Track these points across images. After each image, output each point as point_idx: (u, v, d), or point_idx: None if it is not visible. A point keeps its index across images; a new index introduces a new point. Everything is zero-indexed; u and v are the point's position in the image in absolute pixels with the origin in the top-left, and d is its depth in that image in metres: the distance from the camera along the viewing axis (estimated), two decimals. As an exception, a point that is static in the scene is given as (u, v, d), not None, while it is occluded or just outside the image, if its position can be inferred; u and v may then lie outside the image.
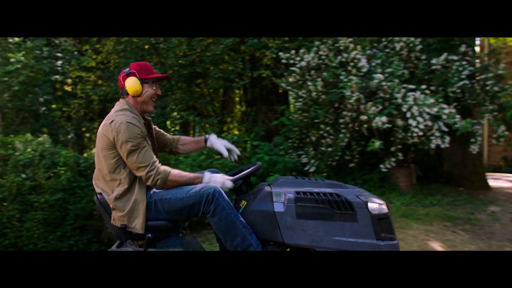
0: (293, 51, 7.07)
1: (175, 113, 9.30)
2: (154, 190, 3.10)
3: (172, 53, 8.45)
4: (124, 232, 3.02)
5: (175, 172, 3.00)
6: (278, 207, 2.89)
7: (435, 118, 6.36)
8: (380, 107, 6.43)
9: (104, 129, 2.96)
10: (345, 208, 2.83)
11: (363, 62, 6.74)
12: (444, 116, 6.24)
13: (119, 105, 3.11)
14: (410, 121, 6.23)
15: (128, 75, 3.06)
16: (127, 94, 3.10)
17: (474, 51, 8.36)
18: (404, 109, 6.31)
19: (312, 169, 7.36)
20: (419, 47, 7.22)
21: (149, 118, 3.33)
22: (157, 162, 2.98)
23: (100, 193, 3.08)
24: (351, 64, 6.77)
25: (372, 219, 2.81)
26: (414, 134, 6.31)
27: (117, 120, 2.91)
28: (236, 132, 9.20)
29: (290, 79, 7.16)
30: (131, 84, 3.03)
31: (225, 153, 3.38)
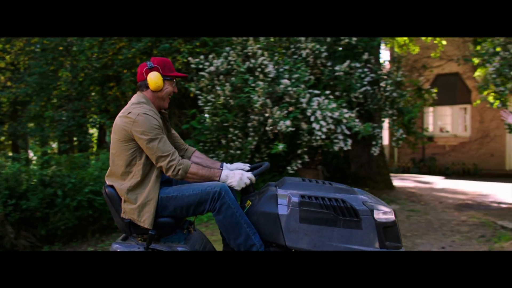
0: (202, 56, 7.17)
1: (95, 116, 9.19)
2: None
3: (83, 56, 8.34)
4: (129, 227, 3.01)
5: (195, 166, 3.00)
6: (282, 210, 2.86)
7: (338, 122, 6.68)
8: (286, 111, 6.67)
9: (121, 121, 2.96)
10: (349, 215, 2.79)
11: (270, 67, 6.96)
12: (344, 120, 6.56)
13: (135, 98, 3.10)
14: (314, 125, 6.50)
15: (151, 69, 3.05)
16: (147, 87, 3.08)
17: (378, 58, 8.85)
18: (308, 113, 6.58)
19: (222, 172, 7.49)
20: (324, 54, 7.54)
21: (166, 112, 3.32)
22: (177, 153, 2.97)
23: (110, 186, 3.06)
24: (259, 69, 6.97)
25: (377, 227, 2.76)
26: (318, 137, 6.60)
27: (134, 112, 2.92)
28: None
29: (200, 84, 7.27)
30: (154, 78, 3.02)
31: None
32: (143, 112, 2.91)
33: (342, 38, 7.52)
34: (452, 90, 14.91)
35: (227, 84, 6.95)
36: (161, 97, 3.12)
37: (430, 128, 15.87)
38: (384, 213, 2.81)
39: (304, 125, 6.70)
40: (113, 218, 3.16)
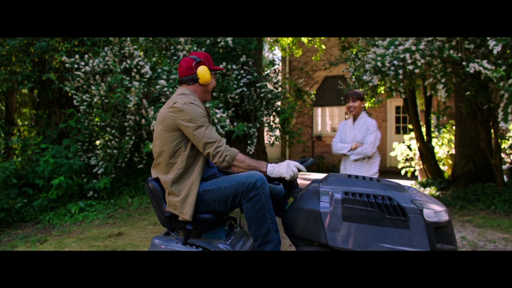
0: (77, 56, 7.15)
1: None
2: None
3: (-47, 52, 8.01)
4: (170, 221, 2.98)
5: (242, 154, 2.96)
6: (324, 207, 2.72)
7: (214, 122, 6.92)
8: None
9: (167, 111, 2.95)
10: (396, 214, 2.60)
11: (147, 68, 7.10)
12: (216, 120, 6.83)
13: (180, 90, 3.09)
14: (188, 124, 6.70)
15: (199, 63, 3.06)
16: (194, 81, 3.09)
17: (257, 61, 9.23)
18: (183, 113, 6.77)
19: (100, 171, 7.55)
20: (205, 55, 7.77)
21: (208, 107, 3.25)
22: (224, 140, 2.96)
23: (153, 180, 3.05)
24: (135, 70, 7.08)
25: (427, 228, 2.56)
26: (192, 136, 6.80)
27: (180, 102, 2.92)
28: (31, 135, 8.98)
29: (75, 83, 7.26)
30: (204, 72, 3.04)
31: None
32: (189, 101, 2.93)
33: (219, 40, 7.79)
34: (339, 92, 15.76)
35: (102, 84, 7.00)
36: (207, 90, 3.16)
37: (319, 128, 16.68)
38: (435, 212, 2.61)
39: (178, 125, 6.88)
40: (155, 211, 3.15)
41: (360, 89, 7.36)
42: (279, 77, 9.20)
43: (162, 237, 3.13)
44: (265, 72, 9.13)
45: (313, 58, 13.34)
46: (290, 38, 12.05)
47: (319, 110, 16.58)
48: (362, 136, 4.77)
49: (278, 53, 17.59)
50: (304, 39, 12.05)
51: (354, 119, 4.90)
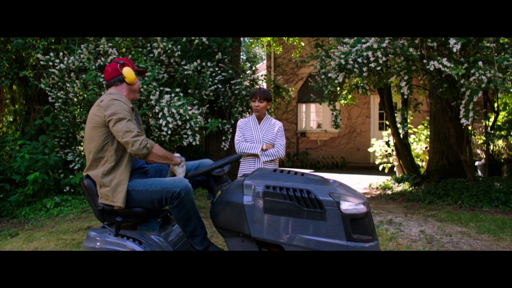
0: (52, 54, 7.25)
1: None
2: None
3: None
4: (103, 214, 3.14)
5: (159, 146, 3.17)
6: (247, 200, 2.85)
7: (187, 118, 7.04)
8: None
9: (95, 109, 3.16)
10: (313, 206, 2.70)
11: (121, 65, 7.21)
12: (187, 117, 6.95)
13: (108, 91, 3.33)
14: (161, 121, 6.83)
15: (123, 65, 3.34)
16: (121, 81, 3.34)
17: (237, 57, 9.36)
18: (156, 110, 6.91)
19: (77, 167, 7.68)
20: (177, 53, 7.90)
21: (135, 107, 3.47)
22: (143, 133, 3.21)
23: (87, 176, 3.21)
24: (109, 67, 7.19)
25: (343, 219, 2.65)
26: (165, 133, 6.94)
27: (106, 99, 3.14)
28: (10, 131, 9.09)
29: (50, 81, 7.36)
30: (128, 73, 3.32)
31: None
32: (114, 98, 3.15)
33: (194, 38, 7.91)
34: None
35: (77, 81, 7.11)
36: (134, 90, 3.42)
37: (303, 124, 16.83)
38: (352, 204, 2.71)
39: (151, 121, 7.01)
40: (91, 207, 3.32)
41: (325, 88, 7.52)
42: (257, 75, 9.29)
43: (97, 229, 3.29)
44: (243, 69, 9.26)
45: (292, 55, 13.46)
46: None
47: (303, 106, 16.76)
48: (272, 137, 4.58)
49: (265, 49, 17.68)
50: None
51: (259, 119, 4.68)
